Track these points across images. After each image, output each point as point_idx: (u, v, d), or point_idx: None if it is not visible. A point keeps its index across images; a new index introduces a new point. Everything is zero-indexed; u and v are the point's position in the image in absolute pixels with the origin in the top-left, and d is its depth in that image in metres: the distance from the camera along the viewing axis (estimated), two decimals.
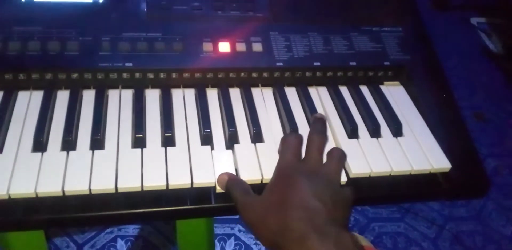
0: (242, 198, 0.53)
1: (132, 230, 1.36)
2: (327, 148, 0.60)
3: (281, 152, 0.58)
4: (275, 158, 0.58)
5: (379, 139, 0.64)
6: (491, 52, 2.28)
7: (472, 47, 2.31)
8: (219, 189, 0.56)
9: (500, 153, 1.80)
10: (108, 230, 1.35)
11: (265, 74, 0.69)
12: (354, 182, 0.60)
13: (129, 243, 1.33)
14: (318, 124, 0.61)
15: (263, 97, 0.68)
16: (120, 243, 1.32)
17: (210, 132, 0.61)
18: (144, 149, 0.58)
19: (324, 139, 0.59)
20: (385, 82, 0.74)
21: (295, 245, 0.46)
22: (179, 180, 0.55)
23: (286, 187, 0.51)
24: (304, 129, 0.64)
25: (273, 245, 0.49)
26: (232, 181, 0.55)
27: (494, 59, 2.24)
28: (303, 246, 0.46)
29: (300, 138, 0.59)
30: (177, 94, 0.66)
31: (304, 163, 0.56)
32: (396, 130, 0.65)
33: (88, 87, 0.65)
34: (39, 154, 0.56)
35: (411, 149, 0.63)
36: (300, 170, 0.54)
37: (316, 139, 0.58)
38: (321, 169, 0.55)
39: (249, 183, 0.56)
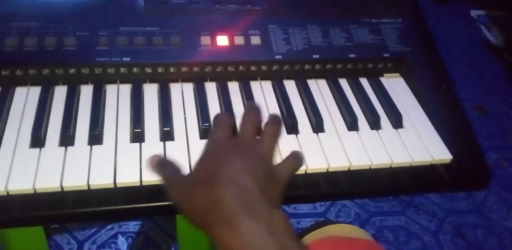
0: (170, 177, 0.50)
1: (132, 226, 1.36)
2: (329, 144, 0.60)
3: (213, 128, 0.55)
4: None
5: (379, 130, 0.64)
6: (491, 44, 2.27)
7: (472, 40, 2.30)
8: None
9: (501, 146, 1.80)
10: (109, 226, 1.35)
11: (263, 68, 0.69)
12: (354, 175, 0.59)
13: (130, 239, 1.33)
14: (253, 105, 0.58)
15: (262, 91, 0.68)
16: (121, 239, 1.32)
17: (209, 126, 0.61)
18: (142, 144, 0.58)
19: (259, 115, 0.56)
20: (385, 74, 0.74)
21: (224, 224, 0.43)
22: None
23: (216, 162, 0.48)
24: (304, 121, 0.64)
25: (201, 224, 0.46)
26: (161, 162, 0.52)
27: (494, 51, 2.23)
28: (232, 224, 0.42)
29: (233, 117, 0.58)
30: (175, 89, 0.66)
31: (236, 138, 0.54)
32: (396, 121, 0.65)
33: (86, 83, 0.65)
34: (37, 149, 0.55)
35: (412, 141, 0.63)
36: (231, 145, 0.51)
37: (251, 114, 0.56)
38: (254, 145, 0.52)
39: None
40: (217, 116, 0.57)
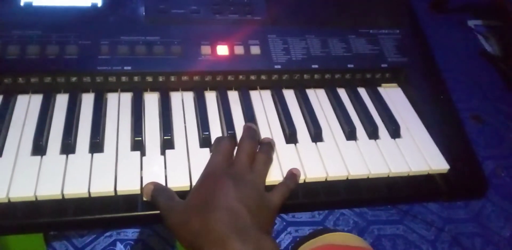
0: (166, 203, 0.52)
1: (131, 233, 1.36)
2: (327, 154, 0.61)
3: (212, 154, 0.58)
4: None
5: (377, 140, 0.65)
6: (489, 54, 2.29)
7: (469, 50, 2.32)
8: None
9: (498, 155, 1.80)
10: (107, 233, 1.35)
11: (263, 77, 0.69)
12: (352, 184, 0.60)
13: (128, 246, 1.33)
14: (250, 130, 0.61)
15: (262, 100, 0.69)
16: (119, 246, 1.32)
17: (209, 134, 0.61)
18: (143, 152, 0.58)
19: (255, 144, 0.59)
20: (382, 84, 0.74)
21: (216, 246, 0.46)
22: (179, 182, 0.55)
23: (211, 189, 0.51)
24: (303, 130, 0.64)
25: (194, 247, 0.48)
26: (156, 189, 0.54)
27: (492, 61, 2.25)
28: (224, 247, 0.46)
29: (233, 142, 0.59)
30: (175, 98, 0.67)
31: (232, 166, 0.56)
32: (394, 131, 0.66)
33: (87, 91, 0.65)
34: (39, 157, 0.56)
35: (409, 150, 0.63)
36: (227, 173, 0.54)
37: (247, 143, 0.58)
38: (248, 174, 0.55)
39: None
40: (218, 141, 0.59)
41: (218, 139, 0.59)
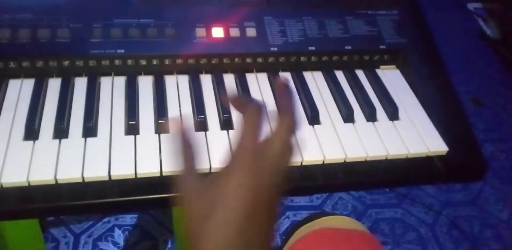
0: (188, 188, 0.40)
1: (129, 219, 1.36)
2: (325, 136, 0.60)
3: (242, 131, 0.41)
4: None
5: (375, 122, 0.64)
6: (488, 37, 2.27)
7: (469, 32, 2.30)
8: None
9: (497, 138, 1.80)
10: (105, 219, 1.35)
11: (259, 60, 0.68)
12: (350, 167, 0.59)
13: (126, 232, 1.33)
14: (287, 99, 0.44)
15: (258, 83, 0.68)
16: (117, 232, 1.32)
17: (204, 118, 0.60)
18: (137, 136, 0.57)
19: (297, 123, 0.43)
20: (381, 66, 0.73)
21: None
22: (174, 167, 0.55)
23: (226, 182, 0.38)
24: (300, 113, 0.63)
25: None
26: (187, 172, 0.42)
27: (491, 44, 2.23)
28: None
29: (262, 111, 0.42)
30: (170, 81, 0.66)
31: (264, 152, 0.40)
32: (392, 113, 0.65)
33: (80, 75, 0.64)
34: (31, 142, 0.55)
35: (408, 132, 0.63)
36: (256, 165, 0.39)
37: (289, 121, 0.42)
38: (281, 167, 0.40)
39: None
40: (247, 108, 0.43)
41: (248, 106, 0.42)
